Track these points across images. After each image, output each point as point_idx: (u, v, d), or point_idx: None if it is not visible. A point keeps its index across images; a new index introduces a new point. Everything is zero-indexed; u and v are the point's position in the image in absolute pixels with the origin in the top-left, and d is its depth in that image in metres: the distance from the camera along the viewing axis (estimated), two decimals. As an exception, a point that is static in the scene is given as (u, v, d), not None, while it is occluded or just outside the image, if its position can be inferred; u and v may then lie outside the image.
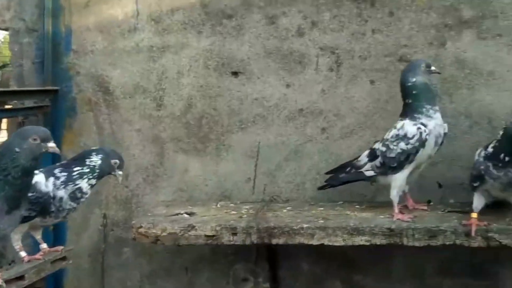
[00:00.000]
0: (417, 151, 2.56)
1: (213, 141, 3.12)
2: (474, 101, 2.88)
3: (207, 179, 3.13)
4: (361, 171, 2.71)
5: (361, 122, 2.99)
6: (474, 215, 2.46)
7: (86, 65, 3.18)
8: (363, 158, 2.73)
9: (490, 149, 2.37)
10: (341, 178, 2.79)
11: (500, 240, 2.41)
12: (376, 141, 2.73)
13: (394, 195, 2.62)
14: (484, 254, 2.78)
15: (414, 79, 2.60)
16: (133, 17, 3.12)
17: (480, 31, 2.84)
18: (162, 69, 3.13)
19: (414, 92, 2.60)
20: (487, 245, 2.43)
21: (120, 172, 2.44)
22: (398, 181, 2.62)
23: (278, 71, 3.04)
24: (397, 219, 2.57)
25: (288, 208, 2.86)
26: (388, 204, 2.76)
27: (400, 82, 2.64)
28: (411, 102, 2.61)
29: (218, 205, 2.97)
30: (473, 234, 2.40)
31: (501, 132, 2.35)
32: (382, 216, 2.64)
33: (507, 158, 2.31)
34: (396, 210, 2.61)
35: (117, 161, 2.42)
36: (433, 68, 2.62)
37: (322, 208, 2.82)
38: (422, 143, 2.55)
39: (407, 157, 2.57)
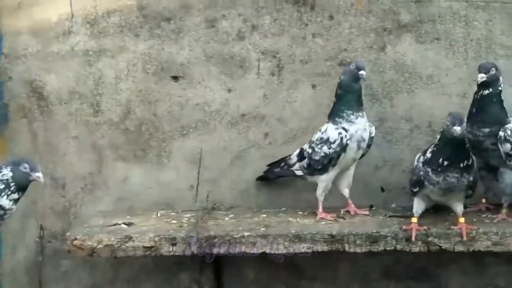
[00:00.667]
0: (338, 156, 2.59)
1: (153, 148, 3.02)
2: (414, 105, 2.89)
3: (148, 187, 3.04)
4: (292, 169, 2.76)
5: (303, 127, 2.96)
6: (414, 219, 2.46)
7: (19, 70, 3.03)
8: (294, 157, 2.77)
9: (428, 154, 2.37)
10: (275, 172, 2.85)
11: (440, 245, 2.42)
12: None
13: (319, 194, 2.68)
14: (427, 258, 2.81)
15: (340, 79, 2.62)
16: (67, 19, 2.99)
17: (418, 35, 2.85)
18: (99, 74, 3.01)
19: (338, 92, 2.63)
20: (428, 249, 2.43)
21: (38, 174, 2.31)
22: (324, 181, 2.66)
23: (219, 76, 2.98)
24: (320, 217, 2.63)
25: (230, 215, 2.80)
26: (332, 210, 2.76)
27: None
28: (335, 103, 2.64)
29: (158, 214, 2.88)
30: (413, 239, 2.40)
31: (438, 137, 2.35)
32: (324, 222, 2.61)
33: (445, 163, 2.31)
34: (320, 209, 2.67)
35: (26, 164, 2.28)
36: (361, 72, 2.56)
37: (265, 215, 2.78)
38: (343, 148, 2.57)
39: (329, 160, 2.60)
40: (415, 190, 2.44)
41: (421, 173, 2.38)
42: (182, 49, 2.97)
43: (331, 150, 2.58)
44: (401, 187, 2.88)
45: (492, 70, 2.48)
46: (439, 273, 2.94)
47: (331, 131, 2.59)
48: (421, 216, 2.51)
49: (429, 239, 2.42)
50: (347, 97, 2.59)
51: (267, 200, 3.00)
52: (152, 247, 2.52)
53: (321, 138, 2.61)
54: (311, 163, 2.65)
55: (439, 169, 2.33)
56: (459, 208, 2.45)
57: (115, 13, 2.98)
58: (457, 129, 2.24)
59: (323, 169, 2.63)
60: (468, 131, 2.53)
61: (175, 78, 2.99)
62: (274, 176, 2.87)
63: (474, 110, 2.56)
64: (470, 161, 2.34)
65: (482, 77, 2.48)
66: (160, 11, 2.97)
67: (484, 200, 2.69)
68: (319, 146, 2.62)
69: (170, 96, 3.00)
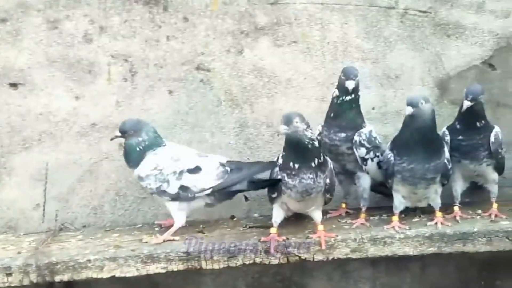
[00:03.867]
0: None
1: (-9, 164, 2.69)
2: (275, 110, 2.79)
3: (-14, 208, 2.71)
4: None
5: (161, 135, 2.76)
6: (274, 230, 2.36)
7: None
8: None
9: (280, 160, 2.29)
10: None
11: (299, 255, 2.33)
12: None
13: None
14: (292, 266, 2.73)
15: None
16: None
17: (276, 38, 2.76)
18: None
19: None
20: (287, 260, 2.34)
21: None
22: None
23: (65, 82, 2.71)
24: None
25: (79, 237, 2.55)
26: (191, 223, 2.60)
27: None
28: None
29: (-5, 240, 2.56)
30: (272, 251, 2.30)
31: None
32: (178, 238, 2.44)
33: (297, 165, 2.24)
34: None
35: None
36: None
37: (117, 234, 2.55)
38: None
39: None
40: (273, 196, 2.35)
41: (278, 178, 2.29)
42: (21, 53, 2.67)
43: None
44: (264, 195, 2.77)
45: (358, 76, 2.45)
46: (306, 281, 2.88)
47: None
48: (281, 225, 2.41)
49: (288, 250, 2.32)
50: None
51: (123, 216, 2.77)
52: (-18, 279, 2.21)
53: None
54: None
55: (293, 173, 2.25)
56: (317, 215, 2.38)
57: None
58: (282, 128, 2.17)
59: None
60: (325, 135, 2.50)
61: (14, 85, 2.69)
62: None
63: (332, 114, 2.51)
64: (322, 159, 2.27)
65: (351, 84, 2.41)
66: (-7, 11, 2.64)
67: (344, 205, 2.66)
68: None
69: (8, 105, 2.69)
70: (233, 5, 2.74)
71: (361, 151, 2.45)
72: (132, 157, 2.45)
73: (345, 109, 2.47)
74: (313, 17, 2.76)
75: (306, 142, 2.21)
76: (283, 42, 2.77)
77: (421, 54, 2.80)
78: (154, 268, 2.29)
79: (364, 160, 2.46)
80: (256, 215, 2.78)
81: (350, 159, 2.48)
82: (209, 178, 2.40)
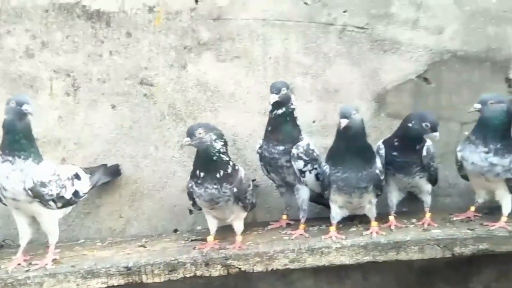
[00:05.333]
0: None
1: None
2: (218, 124, 2.78)
3: None
4: None
5: (105, 150, 2.79)
6: (210, 238, 2.45)
7: None
8: None
9: (192, 168, 2.39)
10: None
11: (239, 266, 2.38)
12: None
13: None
14: (237, 277, 2.75)
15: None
16: None
17: (219, 53, 2.81)
18: None
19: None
20: (228, 272, 2.38)
21: None
22: None
23: (6, 97, 2.64)
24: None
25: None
26: (137, 238, 2.62)
27: None
28: None
29: None
30: (204, 253, 2.37)
31: None
32: (122, 253, 2.45)
33: (202, 174, 2.32)
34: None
35: None
36: (25, 108, 2.29)
37: (58, 250, 2.54)
38: None
39: None
40: (191, 203, 2.43)
41: (190, 185, 2.36)
42: (-39, 69, 2.66)
43: None
44: (205, 207, 2.82)
45: (283, 90, 2.50)
46: (251, 291, 2.92)
47: None
48: (224, 237, 2.46)
49: (228, 262, 2.37)
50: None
51: (66, 232, 2.76)
52: None
53: None
54: None
55: (199, 181, 2.33)
56: (237, 226, 2.46)
57: None
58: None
59: None
60: (265, 148, 2.56)
61: (-45, 100, 2.66)
62: None
63: (269, 128, 2.57)
64: (230, 171, 2.34)
65: (274, 98, 2.48)
66: None
67: (285, 217, 2.71)
68: None
69: (-51, 121, 2.65)
70: (176, 21, 2.78)
71: (299, 164, 2.52)
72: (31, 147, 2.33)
73: (280, 123, 2.53)
74: (255, 33, 2.82)
75: (212, 153, 2.29)
76: (226, 57, 2.82)
77: (359, 69, 2.89)
78: (94, 284, 2.31)
79: (302, 172, 2.53)
80: (199, 228, 2.81)
81: (289, 172, 2.54)
82: (86, 183, 2.55)
